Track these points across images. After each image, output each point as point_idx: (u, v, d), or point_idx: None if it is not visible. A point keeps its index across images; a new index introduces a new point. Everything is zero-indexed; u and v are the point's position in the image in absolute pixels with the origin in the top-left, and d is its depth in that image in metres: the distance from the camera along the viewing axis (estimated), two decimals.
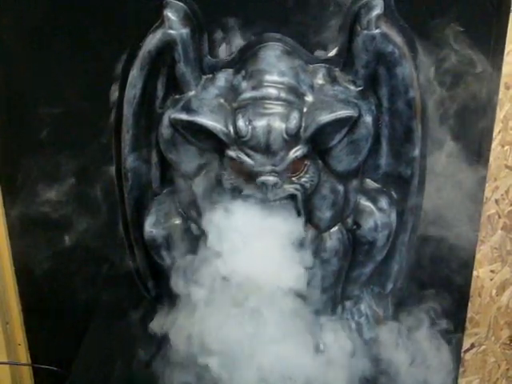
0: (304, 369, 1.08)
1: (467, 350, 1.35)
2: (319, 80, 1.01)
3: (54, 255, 1.25)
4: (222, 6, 1.03)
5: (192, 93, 1.02)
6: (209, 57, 1.04)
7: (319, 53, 1.04)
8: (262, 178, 0.98)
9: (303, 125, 0.97)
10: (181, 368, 1.10)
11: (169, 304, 1.17)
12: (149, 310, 1.24)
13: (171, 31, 0.99)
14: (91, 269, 1.27)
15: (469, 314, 1.31)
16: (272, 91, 0.98)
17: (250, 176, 0.99)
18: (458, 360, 1.33)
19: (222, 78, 1.03)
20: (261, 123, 0.96)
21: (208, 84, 1.03)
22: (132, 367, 1.17)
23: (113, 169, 1.14)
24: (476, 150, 1.17)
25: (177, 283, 1.08)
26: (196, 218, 1.09)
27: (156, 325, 1.19)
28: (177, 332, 1.10)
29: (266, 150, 0.96)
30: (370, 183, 1.11)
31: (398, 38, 0.99)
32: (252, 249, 1.01)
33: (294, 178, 1.00)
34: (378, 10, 0.96)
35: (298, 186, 1.00)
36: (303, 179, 1.00)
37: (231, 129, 0.97)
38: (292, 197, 1.02)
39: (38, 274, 1.27)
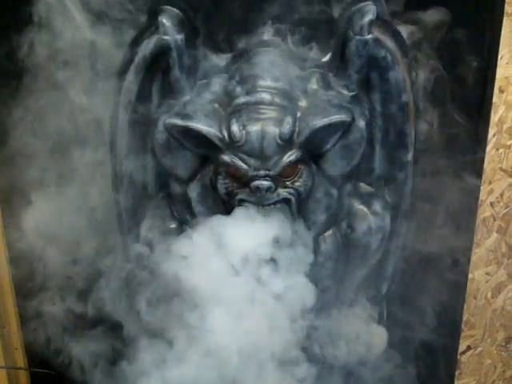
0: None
1: (463, 352, 1.35)
2: (313, 85, 1.02)
3: (51, 259, 1.26)
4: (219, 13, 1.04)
5: (186, 98, 1.03)
6: (203, 62, 1.04)
7: (313, 58, 1.04)
8: (256, 183, 0.99)
9: (297, 129, 0.98)
10: None
11: None
12: None
13: (166, 37, 1.00)
14: (89, 271, 1.27)
15: (464, 317, 1.31)
16: (266, 96, 0.99)
17: (244, 180, 0.99)
18: (454, 362, 1.34)
19: (217, 84, 1.03)
20: (255, 128, 0.96)
21: (202, 89, 1.03)
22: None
23: None
24: (471, 152, 1.17)
25: None
26: (191, 222, 1.09)
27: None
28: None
29: (260, 154, 0.97)
30: (364, 187, 1.11)
31: (390, 43, 0.99)
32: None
33: (287, 183, 1.01)
34: (370, 16, 0.97)
35: (291, 191, 1.01)
36: (297, 183, 1.01)
37: (225, 134, 0.98)
38: (286, 201, 1.02)
39: (36, 278, 1.27)
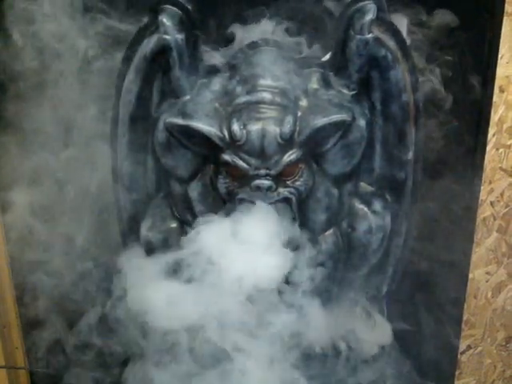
0: None
1: (463, 352, 1.35)
2: (313, 84, 1.02)
3: (49, 258, 1.26)
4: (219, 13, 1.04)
5: (187, 97, 1.03)
6: (204, 61, 1.04)
7: (313, 57, 1.04)
8: (257, 182, 0.99)
9: (297, 129, 0.98)
10: None
11: None
12: None
13: (166, 36, 1.00)
14: (87, 270, 1.27)
15: (465, 316, 1.31)
16: (266, 95, 0.98)
17: (245, 180, 0.99)
18: (454, 362, 1.34)
19: (217, 83, 1.03)
20: (255, 127, 0.96)
21: (203, 88, 1.03)
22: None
23: None
24: (471, 152, 1.17)
25: None
26: (191, 222, 1.09)
27: None
28: None
29: (261, 153, 0.97)
30: (365, 186, 1.11)
31: (390, 43, 0.99)
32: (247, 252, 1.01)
33: (288, 182, 1.01)
34: (370, 15, 0.97)
35: (292, 190, 1.01)
36: (298, 183, 1.01)
37: (226, 133, 0.98)
38: (287, 200, 1.02)
39: (35, 277, 1.27)
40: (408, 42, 1.03)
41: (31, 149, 1.17)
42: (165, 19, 0.99)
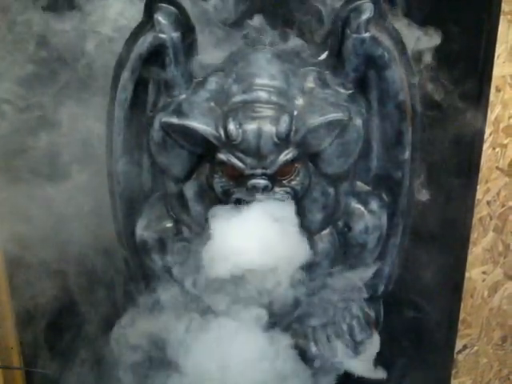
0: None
1: (460, 351, 1.35)
2: (310, 83, 1.02)
3: (47, 257, 1.25)
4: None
5: (183, 96, 1.02)
6: (199, 60, 1.04)
7: (309, 56, 1.04)
8: (253, 181, 0.98)
9: (294, 128, 0.97)
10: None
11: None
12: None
13: (162, 35, 0.99)
14: (85, 270, 1.27)
15: (461, 316, 1.31)
16: (262, 94, 0.98)
17: (241, 179, 0.99)
18: (450, 361, 1.34)
19: (213, 82, 1.03)
20: (251, 126, 0.96)
21: (199, 87, 1.03)
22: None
23: None
24: (467, 152, 1.17)
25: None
26: (187, 221, 1.09)
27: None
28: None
29: (257, 153, 0.96)
30: (361, 186, 1.11)
31: (387, 42, 0.99)
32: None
33: (284, 181, 1.00)
34: (367, 14, 0.96)
35: (288, 189, 1.01)
36: (294, 182, 1.01)
37: (222, 132, 0.97)
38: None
39: (31, 276, 1.27)
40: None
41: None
42: (160, 17, 0.99)
